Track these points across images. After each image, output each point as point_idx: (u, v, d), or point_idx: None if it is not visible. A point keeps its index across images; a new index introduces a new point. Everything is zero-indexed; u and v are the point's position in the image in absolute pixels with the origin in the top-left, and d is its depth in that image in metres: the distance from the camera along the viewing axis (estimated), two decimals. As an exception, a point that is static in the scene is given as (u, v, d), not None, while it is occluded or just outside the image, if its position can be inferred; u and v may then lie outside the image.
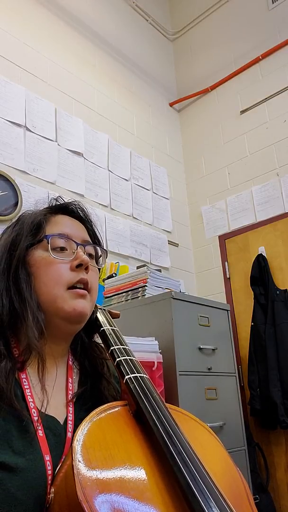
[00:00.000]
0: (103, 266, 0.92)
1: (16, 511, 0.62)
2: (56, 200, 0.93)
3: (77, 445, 0.61)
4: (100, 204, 3.09)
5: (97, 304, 0.97)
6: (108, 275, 2.69)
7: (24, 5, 3.01)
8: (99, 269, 0.91)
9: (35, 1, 3.10)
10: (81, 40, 3.42)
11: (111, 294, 2.49)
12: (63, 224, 0.86)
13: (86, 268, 0.82)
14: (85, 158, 3.07)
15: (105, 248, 0.93)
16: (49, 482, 0.65)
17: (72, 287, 0.81)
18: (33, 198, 2.53)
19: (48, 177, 2.76)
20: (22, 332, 0.79)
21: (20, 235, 0.83)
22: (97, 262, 0.91)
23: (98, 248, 0.91)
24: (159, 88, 4.12)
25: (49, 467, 0.67)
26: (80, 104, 3.20)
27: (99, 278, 0.92)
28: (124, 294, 2.42)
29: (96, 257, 0.90)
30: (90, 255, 0.87)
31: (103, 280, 2.61)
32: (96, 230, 0.94)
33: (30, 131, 2.74)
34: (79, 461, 0.59)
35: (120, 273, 2.77)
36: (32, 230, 0.83)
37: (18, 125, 2.68)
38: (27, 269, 0.81)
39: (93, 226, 0.94)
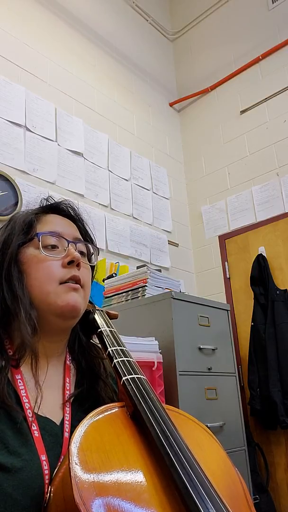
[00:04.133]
0: (95, 263, 0.92)
1: (13, 511, 0.62)
2: (47, 200, 0.94)
3: (74, 448, 0.61)
4: (100, 204, 3.09)
5: (95, 305, 0.97)
6: (108, 275, 2.69)
7: (24, 5, 3.01)
8: (92, 267, 0.91)
9: (35, 1, 3.10)
10: (81, 40, 3.42)
11: (111, 294, 2.49)
12: (54, 223, 0.87)
13: (78, 265, 0.83)
14: (85, 158, 3.07)
15: (101, 247, 0.93)
16: (46, 481, 0.65)
17: (64, 282, 0.81)
18: (33, 198, 2.53)
19: (48, 177, 2.76)
20: (15, 330, 0.80)
21: (12, 234, 0.84)
22: (89, 260, 0.91)
23: (90, 245, 0.91)
24: (159, 88, 4.12)
25: (45, 467, 0.67)
26: (80, 104, 3.20)
27: (93, 276, 0.92)
28: (124, 294, 2.42)
29: (88, 255, 0.91)
30: (82, 253, 0.87)
31: (103, 280, 2.61)
32: (87, 228, 0.94)
33: (30, 131, 2.74)
34: (76, 464, 0.59)
35: (120, 273, 2.77)
36: (24, 229, 0.84)
37: (18, 125, 2.68)
38: (19, 267, 0.81)
39: (84, 224, 0.94)
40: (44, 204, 0.93)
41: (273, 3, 3.73)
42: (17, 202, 2.50)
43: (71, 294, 0.80)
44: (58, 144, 2.91)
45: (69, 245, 0.83)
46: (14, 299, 0.79)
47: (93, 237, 0.95)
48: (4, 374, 0.73)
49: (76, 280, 0.82)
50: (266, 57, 3.67)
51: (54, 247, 0.83)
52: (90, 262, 0.90)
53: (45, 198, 0.94)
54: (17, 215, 0.88)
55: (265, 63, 3.68)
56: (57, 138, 2.91)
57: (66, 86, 3.13)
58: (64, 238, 0.84)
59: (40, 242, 0.82)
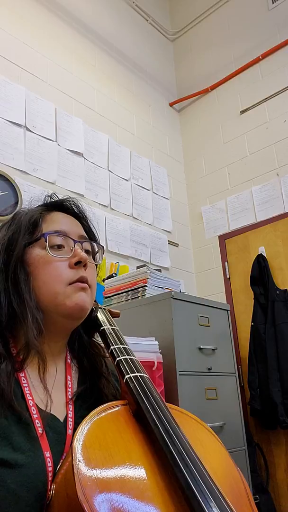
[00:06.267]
0: (100, 262, 0.91)
1: (17, 507, 0.62)
2: (51, 197, 0.93)
3: (77, 445, 0.61)
4: (100, 204, 3.09)
5: (98, 303, 0.97)
6: (108, 275, 2.69)
7: (24, 5, 3.01)
8: (96, 266, 0.90)
9: (35, 1, 3.10)
10: (81, 40, 3.42)
11: (111, 294, 2.49)
12: (59, 221, 0.86)
13: (85, 265, 0.82)
14: (85, 158, 3.07)
15: (101, 244, 0.93)
16: (50, 478, 0.65)
17: (72, 283, 0.80)
18: (36, 195, 2.52)
19: (48, 177, 2.76)
20: (20, 331, 0.79)
21: (17, 234, 0.82)
22: (94, 258, 0.90)
23: (94, 244, 0.90)
24: (159, 88, 4.12)
25: (49, 464, 0.67)
26: (80, 104, 3.20)
27: (97, 274, 0.92)
28: (124, 294, 2.42)
29: (93, 253, 0.90)
30: (87, 252, 0.87)
31: (103, 280, 2.60)
32: (91, 226, 0.93)
33: (30, 131, 2.74)
34: (79, 461, 0.59)
35: (120, 273, 2.77)
36: (29, 228, 0.83)
37: (18, 125, 2.68)
38: (25, 268, 0.80)
39: (89, 222, 0.93)
40: (48, 201, 0.92)
41: (273, 3, 3.74)
42: (17, 202, 2.49)
43: (80, 294, 0.80)
44: (58, 144, 2.91)
45: (76, 245, 0.83)
46: (21, 302, 0.78)
47: (97, 235, 0.94)
48: (12, 377, 0.72)
49: (83, 281, 0.81)
50: (266, 57, 3.68)
51: (60, 246, 0.82)
52: (95, 261, 0.90)
53: (49, 195, 0.93)
54: (20, 213, 0.87)
55: (265, 63, 3.69)
56: (57, 138, 2.91)
57: (66, 86, 3.13)
58: (70, 237, 0.83)
59: (47, 243, 0.81)
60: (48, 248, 0.80)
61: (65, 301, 0.79)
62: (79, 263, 0.81)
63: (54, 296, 0.79)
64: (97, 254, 0.91)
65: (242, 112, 3.74)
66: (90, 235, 0.92)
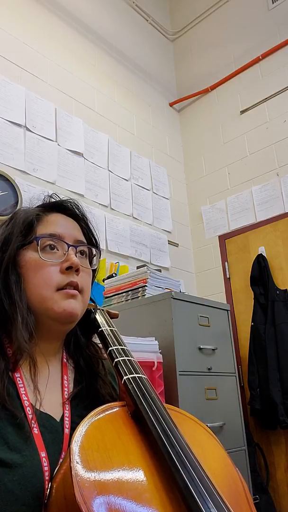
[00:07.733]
0: (96, 266, 0.90)
1: (14, 506, 0.62)
2: (51, 197, 0.91)
3: (75, 447, 0.61)
4: (100, 204, 3.09)
5: (97, 305, 0.97)
6: (108, 275, 2.69)
7: (24, 5, 3.01)
8: (93, 270, 0.89)
9: (35, 1, 3.10)
10: (81, 40, 3.42)
11: (111, 294, 2.49)
12: (56, 224, 0.84)
13: (77, 270, 0.81)
14: (85, 158, 3.07)
15: (101, 247, 0.91)
16: (46, 478, 0.66)
17: (61, 288, 0.80)
18: (37, 195, 2.52)
19: (48, 177, 2.76)
20: (13, 332, 0.79)
21: (12, 234, 0.82)
22: (91, 262, 0.89)
23: (92, 248, 0.89)
24: (159, 88, 4.12)
25: (45, 463, 0.67)
26: (80, 104, 3.20)
27: (95, 278, 0.91)
28: (124, 294, 2.42)
29: (90, 257, 0.89)
30: (83, 252, 0.86)
31: (103, 280, 2.60)
32: (91, 228, 0.92)
33: (30, 131, 2.74)
34: (77, 463, 0.59)
35: (120, 273, 2.77)
36: (23, 230, 0.82)
37: (18, 125, 2.68)
38: (17, 270, 0.80)
39: (89, 224, 0.92)
40: (47, 201, 0.90)
41: (273, 3, 3.74)
42: (17, 202, 2.49)
43: (68, 301, 0.79)
44: (58, 144, 2.90)
45: (69, 249, 0.82)
46: (11, 304, 0.78)
47: (96, 238, 0.92)
48: (5, 376, 0.73)
49: (74, 286, 0.80)
50: (266, 57, 3.67)
51: (53, 249, 0.81)
52: (91, 265, 0.88)
53: (49, 195, 0.92)
54: (18, 213, 0.86)
55: (265, 63, 3.69)
56: (57, 138, 2.91)
57: (66, 86, 3.13)
58: (64, 241, 0.82)
59: (38, 246, 0.80)
60: (39, 252, 0.80)
61: (53, 306, 0.78)
62: (70, 268, 0.80)
63: (43, 300, 0.78)
64: (94, 257, 0.89)
65: (242, 112, 3.74)
66: (90, 238, 0.91)
